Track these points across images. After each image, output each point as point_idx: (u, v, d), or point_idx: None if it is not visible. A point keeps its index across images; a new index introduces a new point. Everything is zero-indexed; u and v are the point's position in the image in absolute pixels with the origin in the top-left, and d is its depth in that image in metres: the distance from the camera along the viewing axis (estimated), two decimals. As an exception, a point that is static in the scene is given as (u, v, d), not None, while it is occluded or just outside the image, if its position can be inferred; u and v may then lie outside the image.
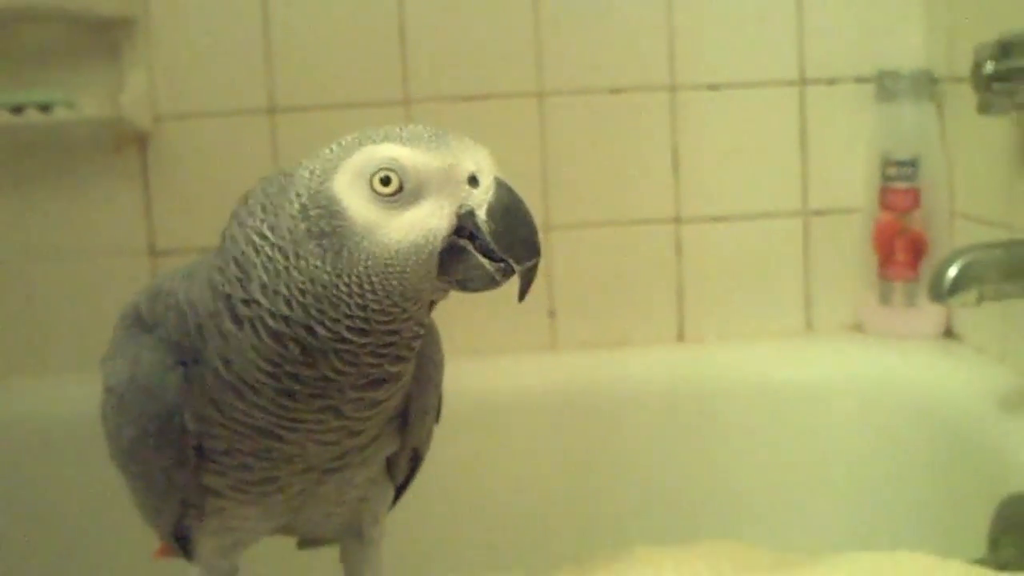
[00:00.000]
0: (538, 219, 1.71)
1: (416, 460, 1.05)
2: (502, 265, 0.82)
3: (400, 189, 0.80)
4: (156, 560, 1.08)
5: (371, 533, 1.04)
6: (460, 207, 0.80)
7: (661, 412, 1.81)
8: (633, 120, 1.83)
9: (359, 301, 0.82)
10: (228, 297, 0.86)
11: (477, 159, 0.80)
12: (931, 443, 1.65)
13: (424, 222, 0.80)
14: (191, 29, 1.81)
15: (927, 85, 1.78)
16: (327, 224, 0.81)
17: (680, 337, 1.89)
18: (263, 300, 0.84)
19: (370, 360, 0.85)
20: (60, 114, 1.77)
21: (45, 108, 1.77)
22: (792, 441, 1.79)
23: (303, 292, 0.83)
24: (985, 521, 1.34)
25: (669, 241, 1.86)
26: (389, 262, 0.81)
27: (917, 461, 1.67)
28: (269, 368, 0.85)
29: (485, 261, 0.81)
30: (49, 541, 1.79)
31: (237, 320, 0.85)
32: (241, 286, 0.85)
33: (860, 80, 1.82)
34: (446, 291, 0.85)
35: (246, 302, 0.85)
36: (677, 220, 1.85)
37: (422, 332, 0.88)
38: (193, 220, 1.80)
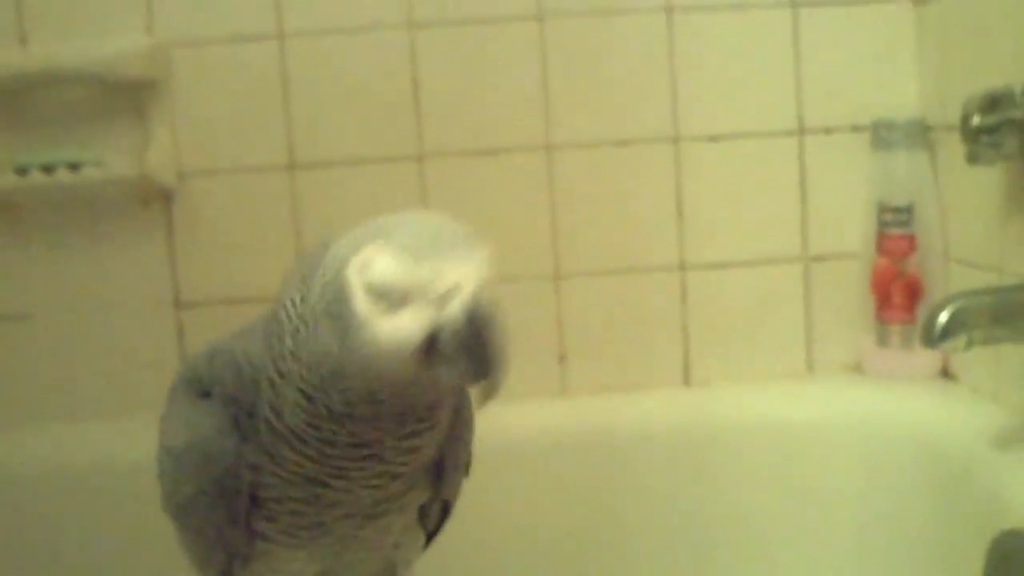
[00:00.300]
0: (548, 268, 1.80)
1: (446, 510, 1.11)
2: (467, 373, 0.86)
3: (386, 296, 0.85)
4: None
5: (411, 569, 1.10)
6: (434, 321, 0.84)
7: (669, 453, 1.85)
8: (638, 171, 1.89)
9: (361, 383, 0.88)
10: (272, 349, 0.92)
11: (461, 272, 0.84)
12: (927, 479, 1.70)
13: (401, 329, 0.85)
14: (213, 91, 1.88)
15: (921, 134, 1.84)
16: (337, 308, 0.87)
17: (686, 380, 1.94)
18: (291, 363, 0.91)
19: (389, 425, 0.91)
20: (89, 172, 1.84)
21: (74, 167, 1.84)
22: (794, 478, 1.83)
23: (319, 364, 0.89)
24: (980, 556, 1.39)
25: (674, 287, 1.92)
26: (374, 358, 0.86)
27: (914, 496, 1.72)
28: (309, 419, 0.91)
29: (454, 371, 0.85)
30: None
31: (280, 373, 0.92)
32: (281, 343, 0.91)
33: (856, 129, 1.88)
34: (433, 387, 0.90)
35: (283, 358, 0.91)
36: (682, 267, 1.91)
37: (441, 399, 0.93)
38: (216, 272, 1.87)
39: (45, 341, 1.92)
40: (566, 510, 1.86)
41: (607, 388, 1.93)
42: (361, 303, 0.86)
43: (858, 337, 1.92)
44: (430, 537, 1.14)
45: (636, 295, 1.92)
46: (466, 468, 1.10)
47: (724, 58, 1.89)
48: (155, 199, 1.89)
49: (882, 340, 1.88)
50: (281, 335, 0.92)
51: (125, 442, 1.90)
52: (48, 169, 1.84)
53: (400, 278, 0.84)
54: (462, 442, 1.05)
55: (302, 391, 0.91)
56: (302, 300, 0.91)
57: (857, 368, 1.93)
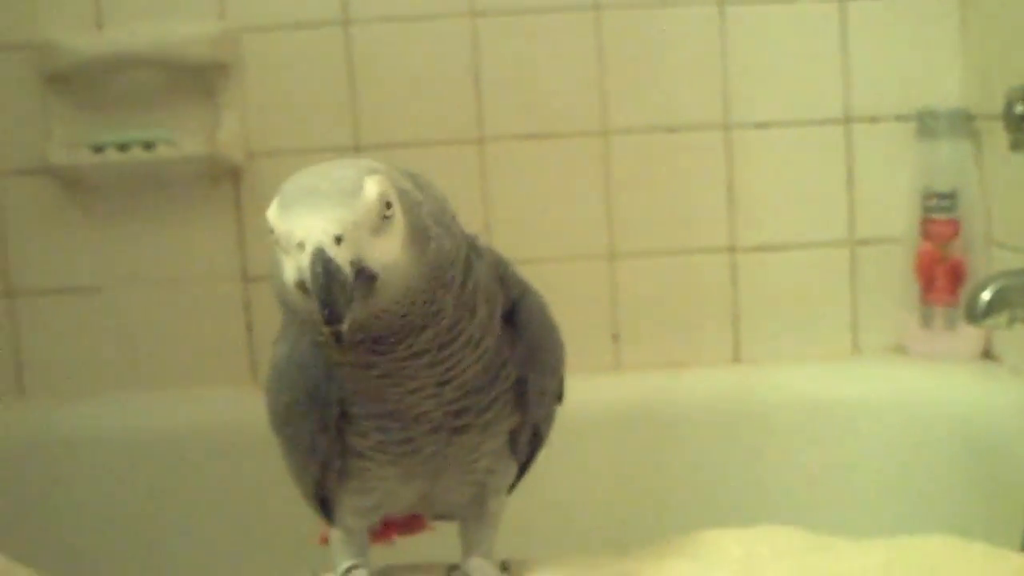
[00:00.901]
0: (603, 248, 1.87)
1: (537, 440, 1.17)
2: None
3: (276, 242, 0.90)
4: (321, 545, 1.18)
5: (492, 505, 1.14)
6: (298, 267, 0.88)
7: (717, 428, 1.92)
8: (690, 157, 1.96)
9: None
10: None
11: (307, 228, 0.86)
12: (969, 457, 1.75)
13: (284, 273, 0.90)
14: (281, 73, 1.95)
15: (964, 123, 1.89)
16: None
17: (736, 358, 2.00)
18: None
19: (375, 348, 0.96)
20: (162, 151, 1.92)
21: (148, 146, 1.91)
22: (838, 454, 1.89)
23: None
24: (1020, 533, 1.43)
25: (725, 269, 1.98)
26: (280, 292, 0.93)
27: (955, 474, 1.77)
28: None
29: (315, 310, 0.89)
30: (147, 550, 1.91)
31: None
32: None
33: (901, 119, 1.94)
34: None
35: None
36: (732, 249, 1.98)
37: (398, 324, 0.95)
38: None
39: (116, 313, 1.99)
40: (617, 482, 1.92)
41: (659, 365, 1.99)
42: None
43: (902, 319, 1.98)
44: (523, 469, 1.19)
45: (688, 275, 1.98)
46: (558, 397, 1.14)
47: (773, 49, 1.95)
48: (224, 177, 1.96)
49: (925, 322, 1.94)
50: None
51: (192, 411, 1.98)
52: (123, 147, 1.91)
53: (274, 227, 0.89)
54: (548, 368, 1.08)
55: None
56: None
57: (900, 349, 1.99)
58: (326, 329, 0.86)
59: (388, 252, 0.90)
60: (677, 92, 1.95)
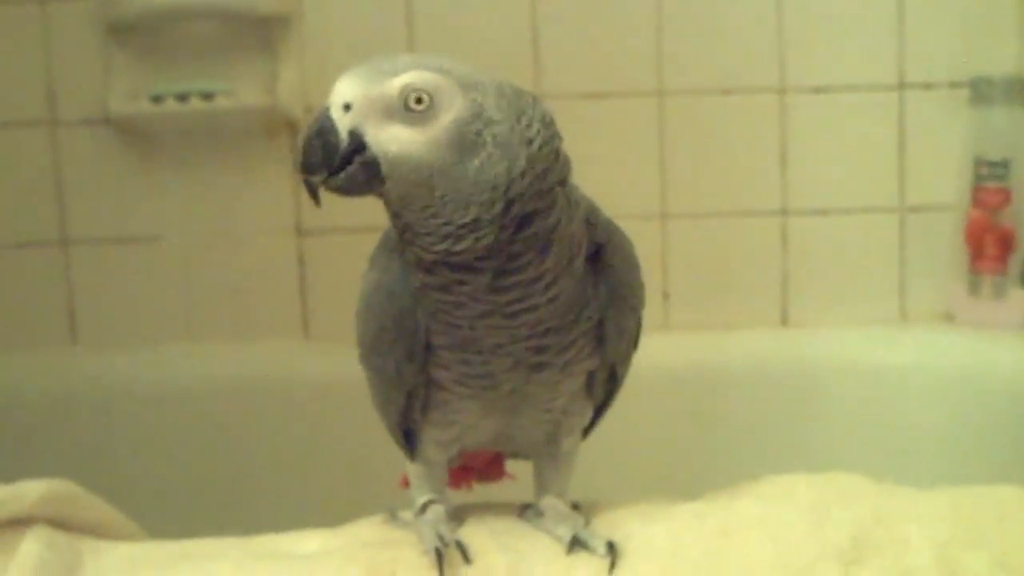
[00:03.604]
0: (655, 208, 1.88)
1: (614, 382, 1.18)
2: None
3: None
4: (402, 489, 1.19)
5: (566, 445, 1.15)
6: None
7: (765, 389, 1.93)
8: (744, 119, 1.97)
9: None
10: None
11: (340, 87, 0.96)
12: (1016, 425, 1.77)
13: None
14: (341, 26, 1.96)
15: (1019, 91, 1.90)
16: None
17: (784, 321, 2.02)
18: None
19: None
20: (221, 102, 1.93)
21: (207, 96, 1.93)
22: (883, 419, 1.91)
23: None
24: None
25: (776, 232, 1.99)
26: None
27: (1001, 442, 1.79)
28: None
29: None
30: (199, 502, 1.93)
31: None
32: None
33: (955, 85, 1.95)
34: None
35: None
36: (784, 212, 1.99)
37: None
38: (337, 201, 1.94)
39: (170, 264, 2.01)
40: (665, 442, 1.94)
41: (707, 326, 2.01)
42: None
43: (950, 286, 1.99)
44: (599, 412, 1.20)
45: (739, 237, 2.00)
46: (635, 340, 1.16)
47: (829, 12, 1.96)
48: (282, 130, 1.97)
49: (974, 290, 1.95)
50: None
51: (244, 364, 2.00)
52: (182, 98, 1.93)
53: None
54: (627, 305, 1.09)
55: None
56: None
57: (948, 317, 2.00)
58: (301, 176, 0.96)
59: (402, 141, 0.95)
60: (733, 54, 1.96)
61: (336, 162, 0.95)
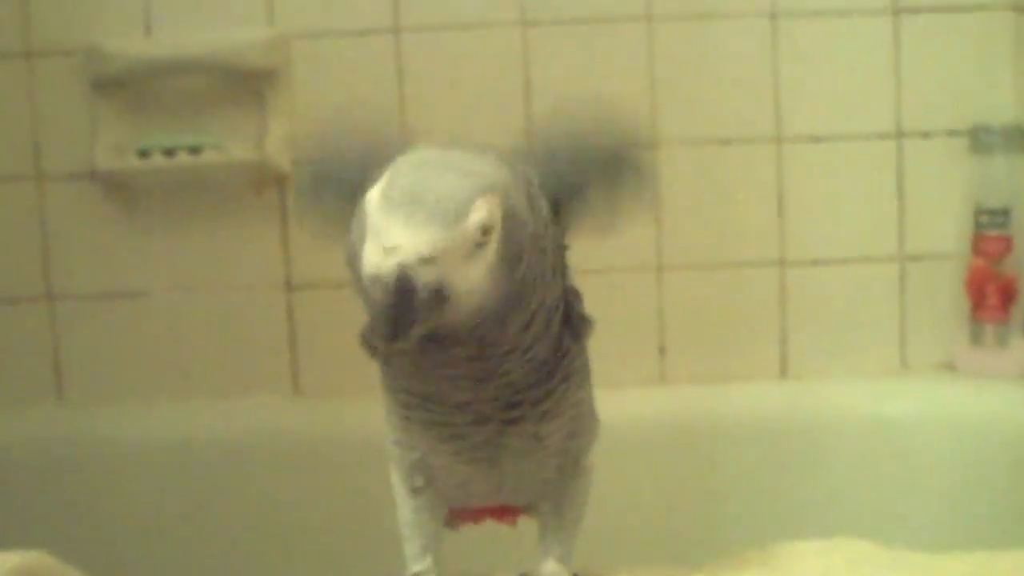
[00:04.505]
0: (651, 260, 1.85)
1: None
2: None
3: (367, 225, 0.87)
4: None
5: (575, 484, 1.09)
6: (378, 265, 0.85)
7: (764, 443, 1.90)
8: (741, 169, 1.95)
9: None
10: None
11: (399, 238, 0.84)
12: (1020, 477, 1.75)
13: (367, 256, 0.86)
14: (330, 81, 1.94)
15: (1018, 138, 1.88)
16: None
17: (783, 373, 1.98)
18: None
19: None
20: (208, 157, 1.90)
21: (195, 151, 1.90)
22: (886, 473, 1.87)
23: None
24: None
25: (774, 282, 1.96)
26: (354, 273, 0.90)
27: (1007, 495, 1.76)
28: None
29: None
30: (185, 563, 1.89)
31: None
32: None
33: (953, 134, 1.92)
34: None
35: None
36: (782, 263, 1.96)
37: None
38: (326, 256, 1.91)
39: (157, 320, 1.97)
40: (662, 498, 1.90)
41: (705, 379, 1.97)
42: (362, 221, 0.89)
43: (952, 335, 1.96)
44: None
45: (736, 289, 1.96)
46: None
47: (826, 63, 1.94)
48: (270, 184, 1.94)
49: (976, 339, 1.92)
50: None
51: (233, 421, 1.96)
52: (169, 152, 1.90)
53: (370, 215, 0.86)
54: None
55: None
56: None
57: (950, 366, 1.97)
58: (379, 340, 0.86)
59: (471, 277, 0.87)
60: (729, 105, 1.94)
61: (416, 319, 0.85)
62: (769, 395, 1.97)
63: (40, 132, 1.95)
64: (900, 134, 1.94)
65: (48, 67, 1.93)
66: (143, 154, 1.91)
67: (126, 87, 1.92)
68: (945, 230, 1.95)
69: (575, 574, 1.13)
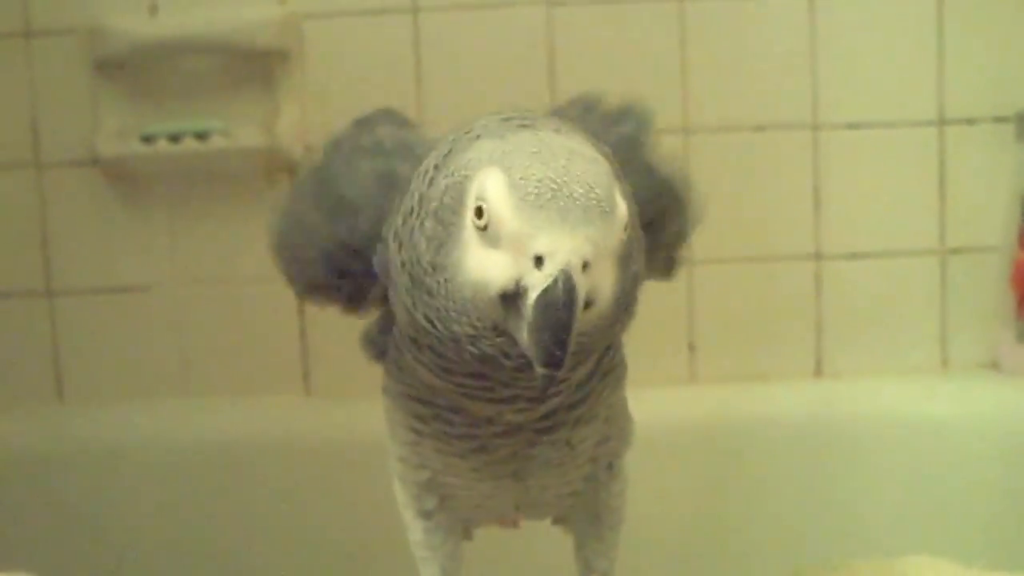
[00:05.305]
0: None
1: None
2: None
3: (486, 228, 0.76)
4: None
5: (609, 495, 1.03)
6: (518, 277, 0.75)
7: (798, 444, 1.83)
8: (775, 157, 1.87)
9: (445, 303, 0.80)
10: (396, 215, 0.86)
11: (556, 242, 0.73)
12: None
13: (487, 269, 0.76)
14: (344, 62, 1.86)
15: (1067, 125, 1.81)
16: (449, 215, 0.79)
17: (818, 372, 1.92)
18: (394, 244, 0.84)
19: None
20: (216, 143, 1.83)
21: (202, 137, 1.83)
22: (925, 475, 1.81)
23: (411, 263, 0.81)
24: None
25: (809, 277, 1.89)
26: (460, 284, 0.78)
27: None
28: (410, 320, 0.83)
29: (524, 335, 0.75)
30: (190, 566, 1.83)
31: (399, 249, 0.85)
32: (397, 212, 0.86)
33: (999, 120, 1.86)
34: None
35: (395, 232, 0.85)
36: (817, 256, 1.89)
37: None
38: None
39: (163, 315, 1.90)
40: (693, 497, 1.84)
41: (737, 377, 1.90)
42: (468, 223, 0.77)
43: (996, 333, 1.89)
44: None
45: (769, 284, 1.89)
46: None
47: (866, 45, 1.87)
48: (281, 171, 1.86)
49: (1021, 337, 1.86)
50: (399, 205, 0.85)
51: (241, 421, 1.89)
52: (175, 138, 1.83)
53: (506, 217, 0.75)
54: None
55: (406, 287, 0.83)
56: (430, 183, 0.82)
57: (993, 365, 1.90)
58: (540, 371, 0.74)
59: (610, 280, 0.78)
60: (764, 89, 1.87)
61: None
62: (804, 395, 1.90)
63: (39, 117, 1.87)
64: (943, 121, 1.87)
65: (48, 47, 1.86)
66: (147, 140, 1.83)
67: (130, 69, 1.85)
68: (989, 222, 1.88)
69: (621, 590, 1.05)
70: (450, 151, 0.82)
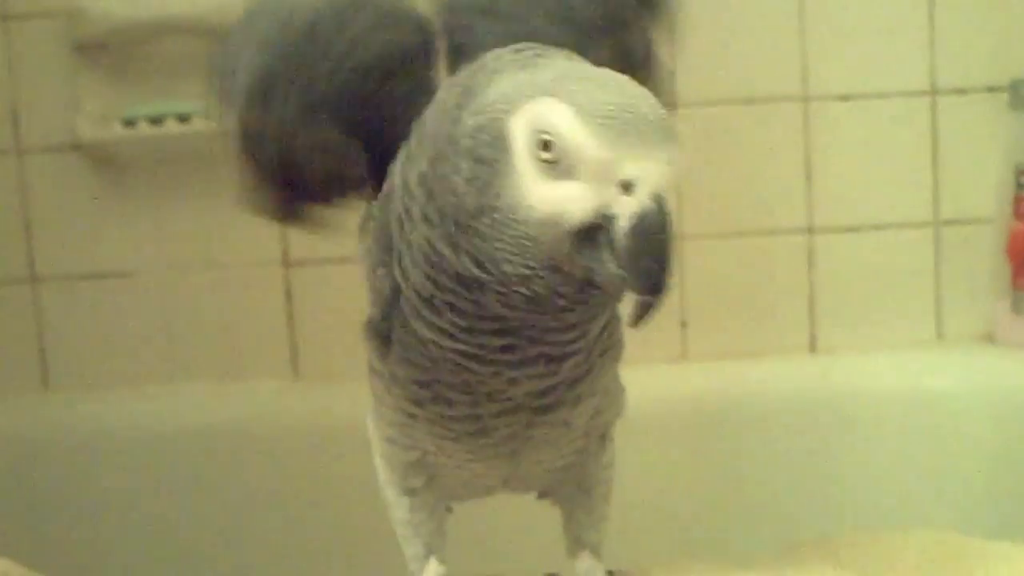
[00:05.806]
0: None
1: None
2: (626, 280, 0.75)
3: (555, 160, 0.74)
4: None
5: (598, 469, 1.01)
6: (603, 207, 0.73)
7: (793, 421, 1.81)
8: (765, 130, 1.86)
9: (496, 247, 0.77)
10: (408, 162, 0.83)
11: (643, 166, 0.73)
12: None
13: (562, 202, 0.74)
14: (327, 42, 1.83)
15: (1062, 93, 1.79)
16: (490, 153, 0.76)
17: (812, 347, 1.90)
18: (419, 195, 0.80)
19: (524, 305, 0.79)
20: (198, 124, 1.80)
21: (184, 119, 1.80)
22: (921, 450, 1.80)
23: (450, 208, 0.78)
24: None
25: (801, 251, 1.88)
26: (523, 222, 0.76)
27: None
28: (434, 277, 0.81)
29: (612, 266, 0.74)
30: (176, 552, 1.82)
31: (407, 210, 0.81)
32: (413, 162, 0.82)
33: (992, 89, 1.84)
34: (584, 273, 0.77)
35: (410, 189, 0.81)
36: (809, 230, 1.87)
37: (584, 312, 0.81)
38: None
39: (147, 300, 1.88)
40: (686, 475, 1.82)
41: (729, 354, 1.88)
42: (524, 158, 0.75)
43: (991, 305, 1.88)
44: None
45: (761, 258, 1.87)
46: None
47: (856, 15, 1.85)
48: (264, 153, 1.83)
49: (1017, 308, 1.84)
50: (417, 151, 0.81)
51: (228, 406, 1.88)
52: (156, 121, 1.80)
53: (585, 145, 0.72)
54: None
55: (428, 239, 0.80)
56: (455, 123, 0.78)
57: (989, 337, 1.89)
58: (637, 300, 0.74)
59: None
60: (752, 61, 1.85)
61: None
62: (798, 370, 1.88)
63: (18, 101, 1.85)
64: (935, 91, 1.85)
65: (26, 30, 1.84)
66: (129, 123, 1.81)
67: (110, 51, 1.82)
68: (983, 192, 1.86)
69: (610, 572, 1.04)
70: (468, 88, 0.80)
